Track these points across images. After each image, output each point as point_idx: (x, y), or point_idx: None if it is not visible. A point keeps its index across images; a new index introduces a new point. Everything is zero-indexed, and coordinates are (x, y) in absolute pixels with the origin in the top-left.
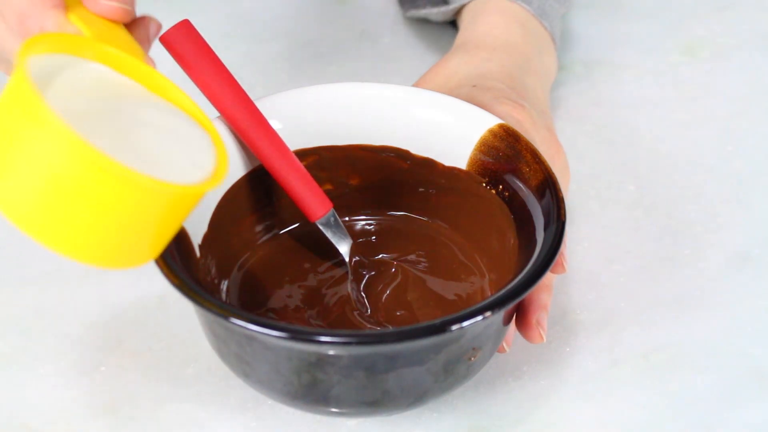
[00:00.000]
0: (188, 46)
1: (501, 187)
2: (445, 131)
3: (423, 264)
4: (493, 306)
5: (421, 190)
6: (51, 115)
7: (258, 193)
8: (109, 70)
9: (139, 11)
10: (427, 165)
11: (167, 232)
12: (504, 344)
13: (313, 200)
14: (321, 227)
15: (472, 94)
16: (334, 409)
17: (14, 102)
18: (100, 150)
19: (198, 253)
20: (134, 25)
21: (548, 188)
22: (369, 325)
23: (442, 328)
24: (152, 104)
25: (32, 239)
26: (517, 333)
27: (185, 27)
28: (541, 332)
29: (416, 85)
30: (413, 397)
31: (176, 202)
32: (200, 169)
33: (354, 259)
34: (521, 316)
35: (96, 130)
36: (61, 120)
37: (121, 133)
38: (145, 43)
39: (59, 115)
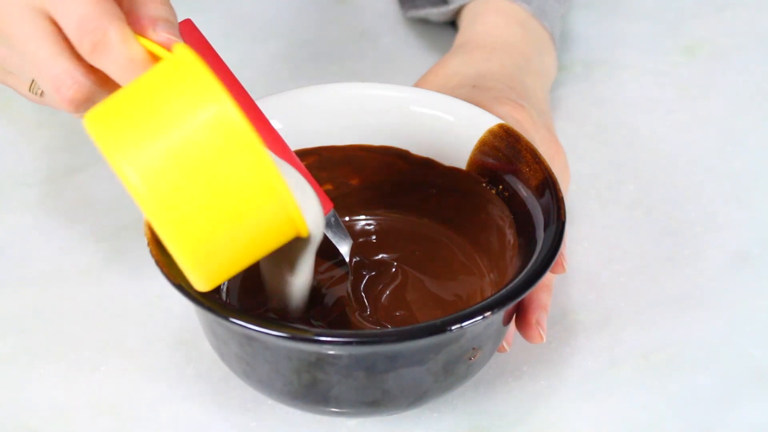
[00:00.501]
0: (190, 45)
1: (501, 187)
2: (445, 131)
3: (423, 264)
4: (493, 306)
5: (421, 190)
6: (226, 97)
7: None
8: None
9: None
10: (427, 165)
11: (247, 263)
12: (504, 344)
13: None
14: None
15: (472, 94)
16: (334, 409)
17: (178, 79)
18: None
19: None
20: None
21: (548, 188)
22: (369, 325)
23: (442, 328)
24: None
25: (149, 215)
26: (517, 333)
27: (187, 26)
28: (541, 332)
29: (416, 85)
30: (413, 397)
31: (286, 236)
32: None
33: (354, 260)
34: (521, 316)
35: None
36: (235, 106)
37: None
38: None
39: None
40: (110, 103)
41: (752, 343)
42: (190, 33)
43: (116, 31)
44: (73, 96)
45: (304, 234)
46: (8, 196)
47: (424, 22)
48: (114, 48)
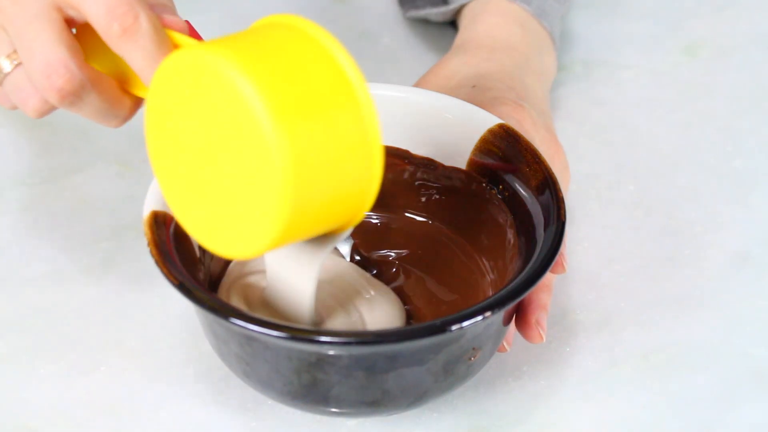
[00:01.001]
0: None
1: (501, 187)
2: (445, 131)
3: (423, 264)
4: (493, 306)
5: (421, 190)
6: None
7: None
8: None
9: None
10: (427, 165)
11: (312, 232)
12: (504, 343)
13: None
14: None
15: (471, 94)
16: (334, 409)
17: (299, 35)
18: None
19: (198, 254)
20: None
21: (548, 188)
22: None
23: (442, 328)
24: None
25: (272, 148)
26: (517, 333)
27: None
28: (541, 332)
29: (416, 85)
30: (413, 397)
31: (348, 214)
32: None
33: (355, 259)
34: (521, 315)
35: None
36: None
37: None
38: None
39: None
40: (230, 43)
41: (752, 343)
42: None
43: (147, 18)
44: (63, 86)
45: (358, 218)
46: (8, 196)
47: (424, 22)
48: (144, 33)
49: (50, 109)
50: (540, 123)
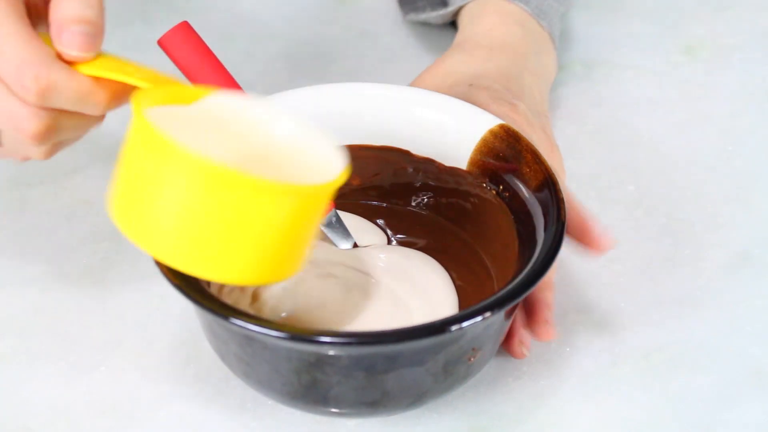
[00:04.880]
0: (187, 48)
1: (501, 187)
2: (446, 131)
3: (429, 252)
4: (493, 306)
5: (421, 190)
6: (169, 139)
7: None
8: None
9: (140, 11)
10: (428, 165)
11: (306, 236)
12: (524, 349)
13: None
14: (323, 228)
15: (468, 93)
16: (333, 410)
17: (139, 143)
18: (222, 162)
19: None
20: None
21: (548, 189)
22: None
23: (441, 328)
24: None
25: (182, 269)
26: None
27: (183, 29)
28: (550, 329)
29: (413, 83)
30: (413, 397)
31: (308, 204)
32: (328, 171)
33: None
34: (531, 315)
35: (217, 152)
36: (178, 143)
37: (243, 152)
38: None
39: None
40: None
41: (752, 343)
42: (187, 36)
43: (59, 72)
44: (36, 130)
45: (339, 183)
46: (8, 196)
47: (424, 22)
48: (63, 88)
49: (47, 127)
50: (535, 123)
